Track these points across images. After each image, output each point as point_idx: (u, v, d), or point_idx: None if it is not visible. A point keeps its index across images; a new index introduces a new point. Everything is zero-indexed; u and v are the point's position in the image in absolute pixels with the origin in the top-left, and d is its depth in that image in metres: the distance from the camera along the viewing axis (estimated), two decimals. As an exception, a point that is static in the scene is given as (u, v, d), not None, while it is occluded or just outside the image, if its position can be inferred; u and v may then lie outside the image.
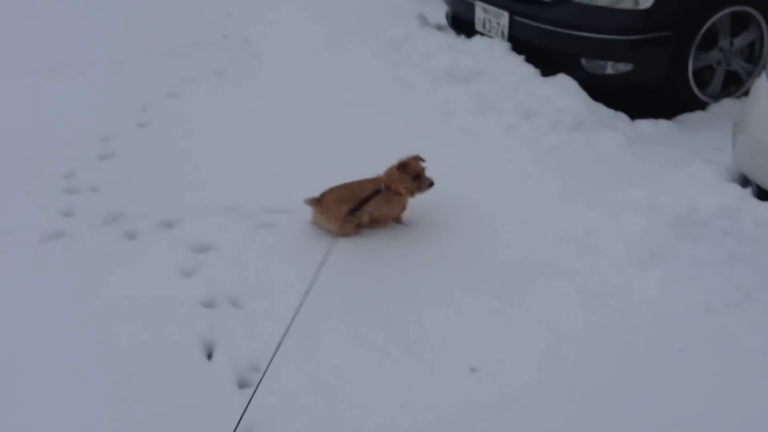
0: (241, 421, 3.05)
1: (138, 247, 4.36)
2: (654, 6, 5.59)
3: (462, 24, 6.93)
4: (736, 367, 3.42)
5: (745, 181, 4.39)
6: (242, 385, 3.39)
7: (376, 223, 4.50)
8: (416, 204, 4.61)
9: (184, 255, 4.25)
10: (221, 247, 4.33)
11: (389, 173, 4.44)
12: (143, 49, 7.33)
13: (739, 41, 6.02)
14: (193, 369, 3.47)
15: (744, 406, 3.22)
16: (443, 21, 7.32)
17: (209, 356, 3.56)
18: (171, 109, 6.15)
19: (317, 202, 4.37)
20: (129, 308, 3.84)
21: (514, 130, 5.64)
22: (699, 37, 5.78)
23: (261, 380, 3.19)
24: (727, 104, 6.01)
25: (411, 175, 4.42)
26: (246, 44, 7.48)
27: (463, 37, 6.78)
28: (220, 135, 5.68)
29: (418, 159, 4.48)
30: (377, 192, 4.37)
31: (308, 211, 4.48)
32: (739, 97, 6.07)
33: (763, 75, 4.42)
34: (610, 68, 5.89)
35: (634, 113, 5.92)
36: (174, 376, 3.42)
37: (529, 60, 6.20)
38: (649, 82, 5.90)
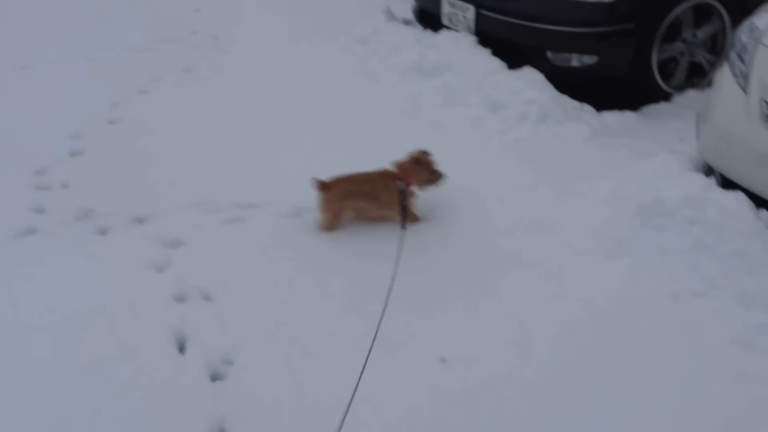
0: (213, 414, 3.08)
1: (110, 242, 4.37)
2: (618, -2, 5.67)
3: (429, 18, 6.96)
4: (702, 354, 3.48)
5: (709, 171, 4.46)
6: (215, 378, 3.42)
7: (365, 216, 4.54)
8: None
9: (155, 250, 4.27)
10: (192, 241, 4.35)
11: (403, 167, 4.46)
12: (112, 46, 7.29)
13: (702, 33, 6.10)
14: (166, 362, 3.48)
15: (710, 393, 3.28)
16: (410, 15, 7.35)
17: (181, 349, 3.57)
18: (141, 105, 6.14)
19: (324, 188, 4.35)
20: (101, 303, 3.85)
21: (482, 122, 5.68)
22: (663, 29, 5.85)
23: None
24: (691, 95, 6.08)
25: (427, 170, 4.49)
26: (214, 41, 7.47)
27: (430, 31, 6.81)
28: (190, 131, 5.68)
29: (426, 153, 4.53)
30: (402, 192, 4.38)
31: (277, 206, 4.50)
32: (702, 88, 6.15)
33: (726, 66, 4.50)
34: (576, 61, 5.94)
35: (600, 105, 5.97)
36: (147, 369, 3.43)
37: (495, 53, 6.23)
38: (614, 73, 5.97)
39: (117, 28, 7.80)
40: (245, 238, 4.40)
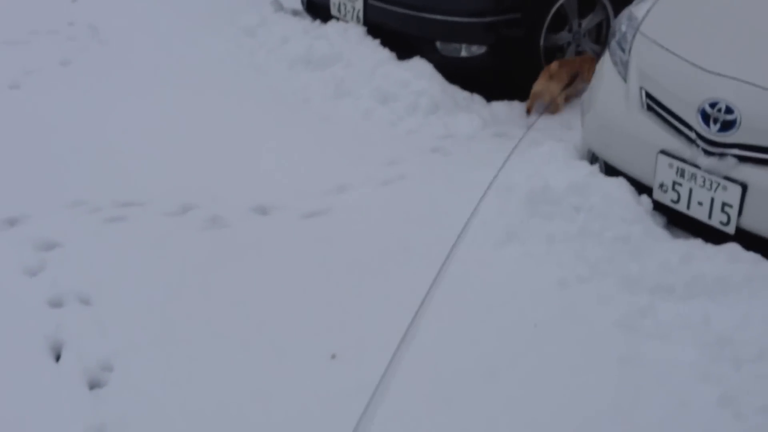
0: (92, 423, 3.00)
1: (-22, 247, 4.18)
2: (504, -12, 5.71)
3: (317, 9, 6.88)
4: (588, 339, 3.52)
5: (593, 158, 4.52)
6: (93, 385, 3.30)
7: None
8: (272, 190, 4.66)
9: (28, 253, 4.08)
10: (69, 243, 4.17)
11: (584, 59, 5.81)
12: (-22, 38, 6.96)
13: (587, 22, 6.19)
14: (40, 371, 3.36)
15: (595, 376, 3.33)
16: (298, 6, 7.25)
17: (57, 357, 3.45)
18: (12, 101, 5.87)
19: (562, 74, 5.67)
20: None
21: (372, 114, 5.65)
22: (548, 18, 5.91)
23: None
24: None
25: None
26: (93, 32, 7.18)
27: (318, 22, 6.73)
28: (66, 127, 5.43)
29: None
30: (577, 75, 5.71)
31: (160, 204, 4.43)
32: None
33: (607, 54, 4.56)
34: (465, 51, 5.97)
35: (490, 95, 6.00)
36: (19, 380, 3.31)
37: (384, 44, 6.20)
38: (503, 63, 6.01)
39: (-17, 18, 7.44)
40: (126, 238, 4.25)
